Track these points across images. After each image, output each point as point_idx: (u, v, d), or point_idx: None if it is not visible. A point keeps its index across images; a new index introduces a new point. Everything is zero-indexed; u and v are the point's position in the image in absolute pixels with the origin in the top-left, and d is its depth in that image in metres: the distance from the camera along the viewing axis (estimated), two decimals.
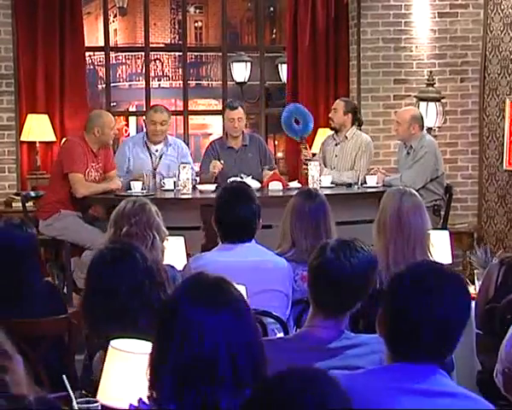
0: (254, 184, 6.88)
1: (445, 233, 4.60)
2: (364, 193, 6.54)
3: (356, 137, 7.36)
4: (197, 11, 15.72)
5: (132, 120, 14.66)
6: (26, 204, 7.10)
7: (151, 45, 9.39)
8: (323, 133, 8.45)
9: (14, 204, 7.70)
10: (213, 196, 6.55)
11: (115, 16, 16.47)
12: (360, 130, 7.58)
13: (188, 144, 8.85)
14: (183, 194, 6.23)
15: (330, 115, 7.46)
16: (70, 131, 8.04)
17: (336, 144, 7.41)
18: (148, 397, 2.02)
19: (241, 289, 3.15)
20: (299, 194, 4.46)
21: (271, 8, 11.44)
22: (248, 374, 1.97)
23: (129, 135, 13.55)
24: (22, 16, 8.00)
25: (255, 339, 2.04)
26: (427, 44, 8.49)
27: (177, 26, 15.42)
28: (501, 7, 8.19)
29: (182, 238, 4.37)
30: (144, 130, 7.38)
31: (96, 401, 2.52)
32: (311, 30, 8.50)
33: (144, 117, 7.50)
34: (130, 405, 2.08)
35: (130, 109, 14.29)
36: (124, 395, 2.37)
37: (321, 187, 6.51)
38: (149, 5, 8.95)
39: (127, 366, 2.37)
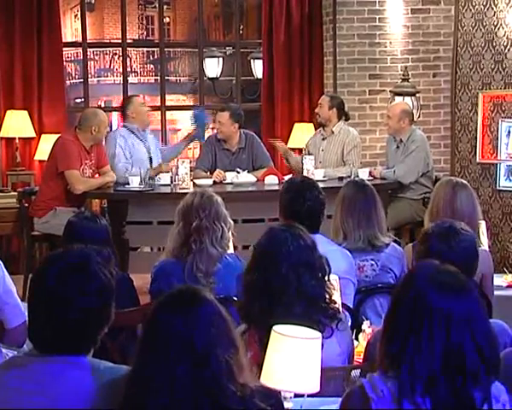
0: (250, 179, 6.97)
1: (483, 223, 4.65)
2: None
3: (343, 132, 7.44)
4: (164, 7, 15.80)
5: None
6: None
7: (119, 41, 9.36)
8: (299, 128, 8.57)
9: None
10: (212, 190, 6.63)
11: None
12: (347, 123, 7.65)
13: (166, 140, 8.92)
14: (182, 188, 6.24)
15: (316, 110, 7.56)
16: (49, 126, 8.05)
17: (323, 139, 7.50)
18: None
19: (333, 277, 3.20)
20: (348, 185, 4.42)
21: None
22: (494, 361, 2.06)
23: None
24: None
25: (490, 328, 2.10)
26: (401, 40, 8.65)
27: (144, 22, 15.50)
28: (472, 3, 8.35)
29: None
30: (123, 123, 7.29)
31: None
32: (285, 26, 8.61)
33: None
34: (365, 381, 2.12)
35: (99, 105, 14.34)
36: (287, 378, 2.48)
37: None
38: (117, 1, 8.95)
39: (291, 351, 2.48)
